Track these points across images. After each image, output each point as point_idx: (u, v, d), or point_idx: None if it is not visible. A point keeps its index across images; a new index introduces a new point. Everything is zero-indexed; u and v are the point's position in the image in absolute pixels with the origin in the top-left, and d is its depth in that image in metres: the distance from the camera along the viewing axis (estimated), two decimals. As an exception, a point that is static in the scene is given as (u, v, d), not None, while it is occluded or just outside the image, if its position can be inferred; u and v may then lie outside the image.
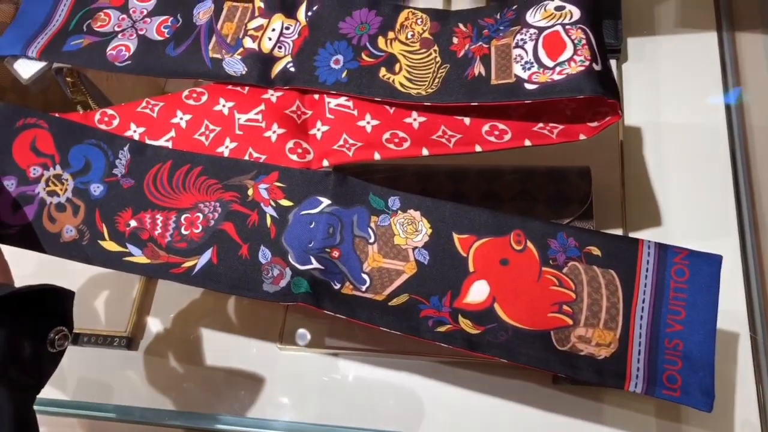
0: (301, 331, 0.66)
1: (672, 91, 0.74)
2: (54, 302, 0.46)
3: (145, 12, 0.61)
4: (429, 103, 0.53)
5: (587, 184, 0.65)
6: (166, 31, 0.59)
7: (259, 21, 0.59)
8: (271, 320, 0.67)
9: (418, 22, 0.58)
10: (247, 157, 0.54)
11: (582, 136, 0.52)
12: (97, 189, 0.53)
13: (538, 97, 0.49)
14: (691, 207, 0.67)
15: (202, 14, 0.60)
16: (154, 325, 0.69)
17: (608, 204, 0.67)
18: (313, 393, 0.64)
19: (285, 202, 0.52)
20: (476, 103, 0.52)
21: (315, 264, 0.49)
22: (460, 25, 0.57)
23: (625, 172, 0.69)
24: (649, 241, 0.48)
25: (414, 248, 0.50)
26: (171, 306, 0.70)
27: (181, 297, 0.70)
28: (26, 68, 0.60)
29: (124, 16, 0.61)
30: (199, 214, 0.52)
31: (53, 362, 0.46)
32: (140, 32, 0.60)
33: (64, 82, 0.64)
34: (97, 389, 0.67)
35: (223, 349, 0.67)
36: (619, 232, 0.67)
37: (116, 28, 0.60)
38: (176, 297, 0.70)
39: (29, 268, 0.65)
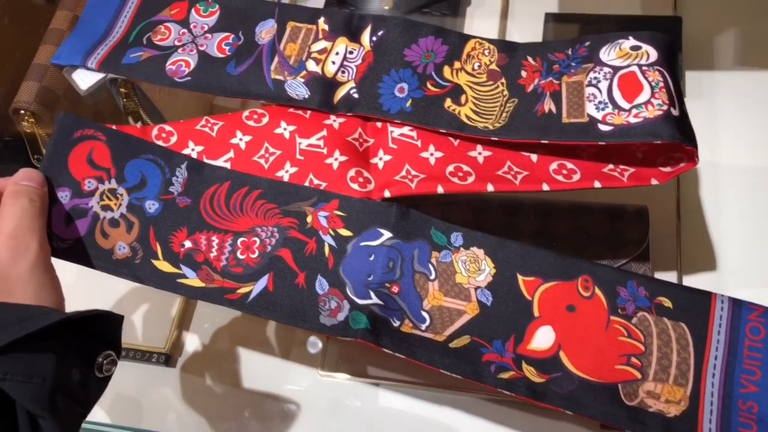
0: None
1: (731, 131, 0.72)
2: (103, 326, 0.45)
3: (206, 27, 0.60)
4: (496, 138, 0.52)
5: (645, 225, 0.64)
6: (227, 48, 0.58)
7: (323, 44, 0.58)
8: (313, 344, 0.66)
9: (486, 52, 0.56)
10: (307, 183, 0.53)
11: (654, 181, 0.50)
12: (152, 206, 0.52)
13: (613, 139, 0.48)
14: (749, 252, 0.65)
15: (264, 33, 0.59)
16: (193, 342, 0.68)
17: (662, 245, 0.66)
18: (351, 424, 0.62)
19: (344, 232, 0.51)
20: (546, 141, 0.50)
21: (374, 299, 0.48)
22: (529, 59, 0.56)
23: (681, 212, 0.68)
24: (723, 296, 0.46)
25: (476, 288, 0.48)
26: (211, 323, 0.69)
27: (221, 315, 0.69)
28: (85, 79, 0.59)
29: (185, 30, 0.60)
30: (256, 239, 0.51)
31: (100, 388, 0.45)
32: (201, 48, 0.59)
33: (118, 92, 0.63)
34: (133, 405, 0.66)
35: (262, 371, 0.66)
36: (673, 275, 0.65)
37: (176, 43, 0.59)
38: (216, 314, 0.69)
39: (69, 277, 0.64)
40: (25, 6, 0.83)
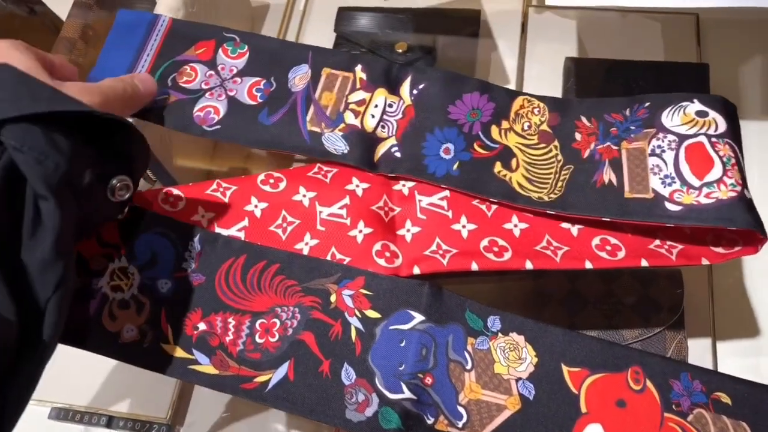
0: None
1: (761, 184, 0.69)
2: (127, 147, 0.44)
3: (235, 70, 0.55)
4: (553, 212, 0.48)
5: (679, 290, 0.60)
6: (259, 94, 0.54)
7: (361, 95, 0.53)
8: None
9: (535, 111, 0.52)
10: (329, 258, 0.48)
11: (705, 261, 0.47)
12: (164, 285, 0.47)
13: (682, 221, 0.44)
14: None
15: (298, 80, 0.54)
16: (198, 408, 0.64)
17: (693, 308, 0.62)
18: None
19: (372, 314, 0.47)
20: (608, 219, 0.47)
21: (407, 393, 0.44)
22: (583, 119, 0.52)
23: (713, 275, 0.65)
24: (786, 391, 0.43)
25: (517, 379, 0.44)
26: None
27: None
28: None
29: (212, 72, 0.55)
30: (276, 320, 0.47)
31: (108, 209, 0.44)
32: (230, 93, 0.54)
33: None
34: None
35: (270, 443, 0.62)
36: (707, 341, 0.62)
37: (203, 86, 0.54)
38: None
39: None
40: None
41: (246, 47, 0.56)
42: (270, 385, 0.45)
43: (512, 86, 0.76)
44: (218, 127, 0.52)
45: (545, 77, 0.76)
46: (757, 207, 0.65)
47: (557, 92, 0.74)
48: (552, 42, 0.79)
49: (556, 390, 0.44)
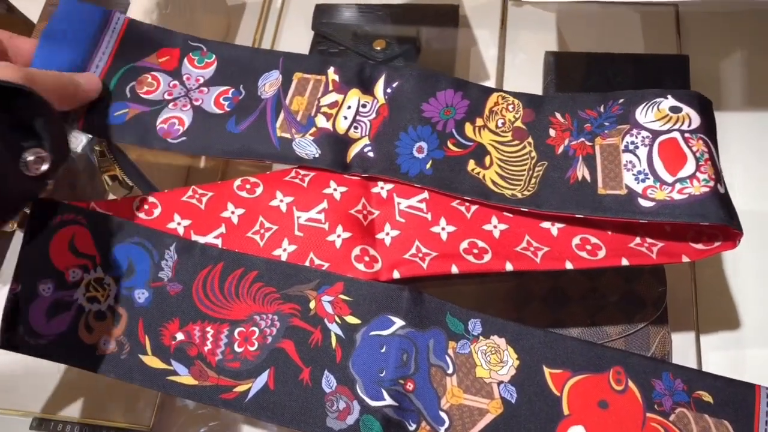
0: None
1: (741, 173, 0.69)
2: (38, 117, 0.42)
3: (202, 80, 0.54)
4: (526, 209, 0.48)
5: (662, 284, 0.60)
6: (226, 103, 0.53)
7: (334, 97, 0.53)
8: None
9: (510, 108, 0.52)
10: (308, 264, 0.48)
11: (685, 258, 0.47)
12: (141, 295, 0.47)
13: (654, 217, 0.44)
14: None
15: (268, 86, 0.53)
16: (180, 420, 0.63)
17: (677, 300, 0.62)
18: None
19: (352, 320, 0.46)
20: (581, 216, 0.46)
21: (388, 400, 0.43)
22: (557, 115, 0.51)
23: (696, 269, 0.65)
24: (767, 388, 0.43)
25: (499, 383, 0.44)
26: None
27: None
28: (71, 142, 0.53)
29: (176, 82, 0.54)
30: (255, 329, 0.46)
31: (25, 184, 0.42)
32: (195, 102, 0.53)
33: (92, 149, 0.57)
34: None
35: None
36: (691, 335, 0.62)
37: (166, 96, 0.53)
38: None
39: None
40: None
41: (213, 56, 0.55)
42: (250, 395, 0.45)
43: (492, 81, 0.75)
44: (184, 138, 0.51)
45: (525, 71, 0.76)
46: (741, 199, 0.66)
47: (538, 84, 0.74)
48: (532, 35, 0.78)
49: (538, 392, 0.44)
